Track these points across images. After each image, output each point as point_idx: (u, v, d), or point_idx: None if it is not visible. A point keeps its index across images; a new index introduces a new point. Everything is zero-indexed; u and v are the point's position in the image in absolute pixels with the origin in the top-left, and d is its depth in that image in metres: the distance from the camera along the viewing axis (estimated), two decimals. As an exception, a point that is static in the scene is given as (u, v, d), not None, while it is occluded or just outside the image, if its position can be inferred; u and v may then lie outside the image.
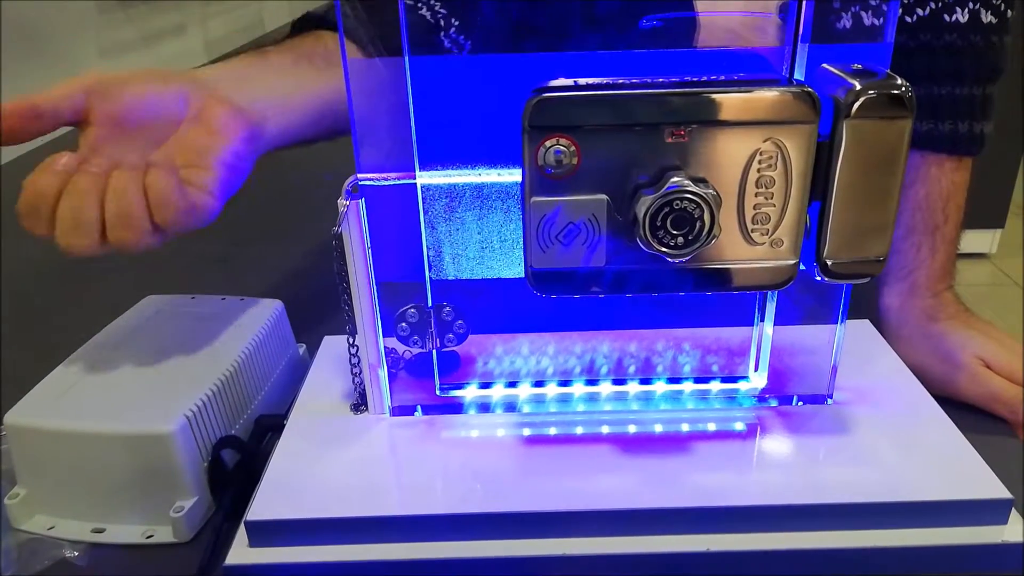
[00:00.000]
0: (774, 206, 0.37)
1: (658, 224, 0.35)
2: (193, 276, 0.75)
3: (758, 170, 0.36)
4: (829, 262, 0.38)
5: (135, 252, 0.43)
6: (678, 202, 0.35)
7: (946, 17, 0.52)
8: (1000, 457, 0.46)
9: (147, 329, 0.52)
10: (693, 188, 0.35)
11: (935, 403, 0.47)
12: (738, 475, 0.43)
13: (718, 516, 0.41)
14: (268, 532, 0.41)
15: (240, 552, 0.41)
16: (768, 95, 0.35)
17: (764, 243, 0.38)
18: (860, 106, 0.34)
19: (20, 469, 0.46)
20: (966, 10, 0.51)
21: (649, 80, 0.36)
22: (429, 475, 0.44)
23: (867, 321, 0.55)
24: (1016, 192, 2.04)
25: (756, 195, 0.36)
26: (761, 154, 0.35)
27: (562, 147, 0.35)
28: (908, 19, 0.52)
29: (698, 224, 0.35)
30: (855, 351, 0.52)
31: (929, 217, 0.55)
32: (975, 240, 2.13)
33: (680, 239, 0.36)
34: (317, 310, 0.64)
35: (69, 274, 0.77)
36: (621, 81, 0.36)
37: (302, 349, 0.58)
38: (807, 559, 0.40)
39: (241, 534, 0.42)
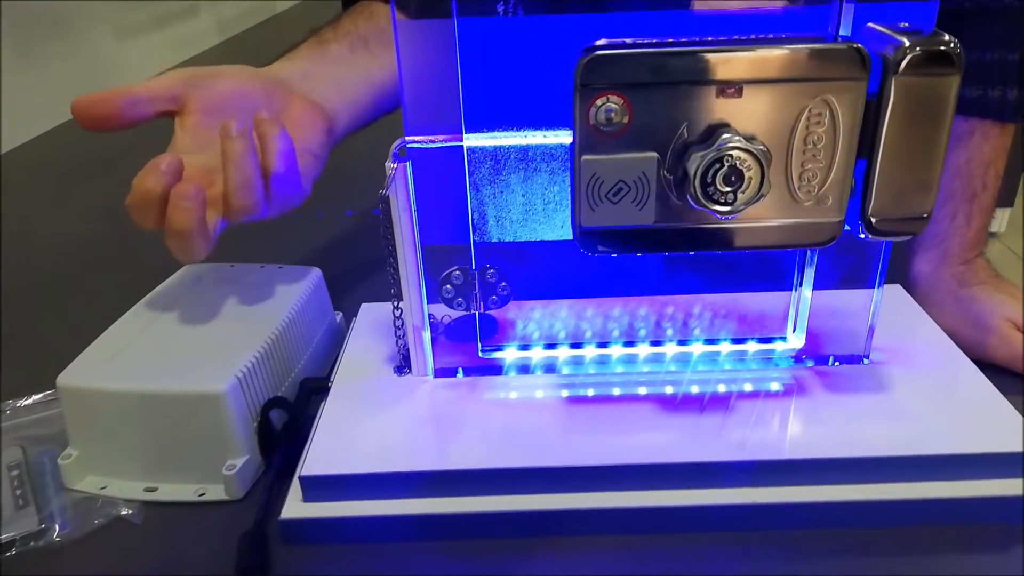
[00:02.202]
0: (821, 164, 0.37)
1: (708, 180, 0.36)
2: (224, 251, 0.76)
3: (807, 128, 0.36)
4: (874, 219, 0.38)
5: (250, 217, 0.46)
6: (729, 158, 0.35)
7: None
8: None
9: (189, 295, 0.53)
10: (743, 144, 0.35)
11: (968, 361, 0.48)
12: (777, 431, 0.43)
13: (758, 470, 0.42)
14: (321, 487, 0.42)
15: (294, 507, 0.42)
16: (819, 52, 0.35)
17: (810, 201, 0.38)
18: (909, 63, 0.35)
19: (72, 430, 0.47)
20: None
21: (697, 39, 0.36)
22: (472, 432, 0.45)
23: (898, 286, 0.56)
24: (1027, 171, 2.03)
25: (804, 153, 0.37)
26: (810, 112, 0.36)
27: (613, 105, 0.36)
28: None
29: (748, 180, 0.36)
30: (889, 314, 0.52)
31: (968, 184, 0.55)
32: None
33: (730, 195, 0.36)
34: (351, 279, 0.65)
35: (105, 248, 0.78)
36: (670, 40, 0.37)
37: (339, 316, 0.59)
38: (846, 511, 0.41)
39: (294, 490, 0.43)
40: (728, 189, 0.36)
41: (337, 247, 0.74)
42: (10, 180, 1.01)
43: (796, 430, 0.44)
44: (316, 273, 0.56)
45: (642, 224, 0.39)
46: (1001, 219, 2.16)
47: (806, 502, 0.41)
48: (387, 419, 0.45)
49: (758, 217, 0.39)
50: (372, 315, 0.55)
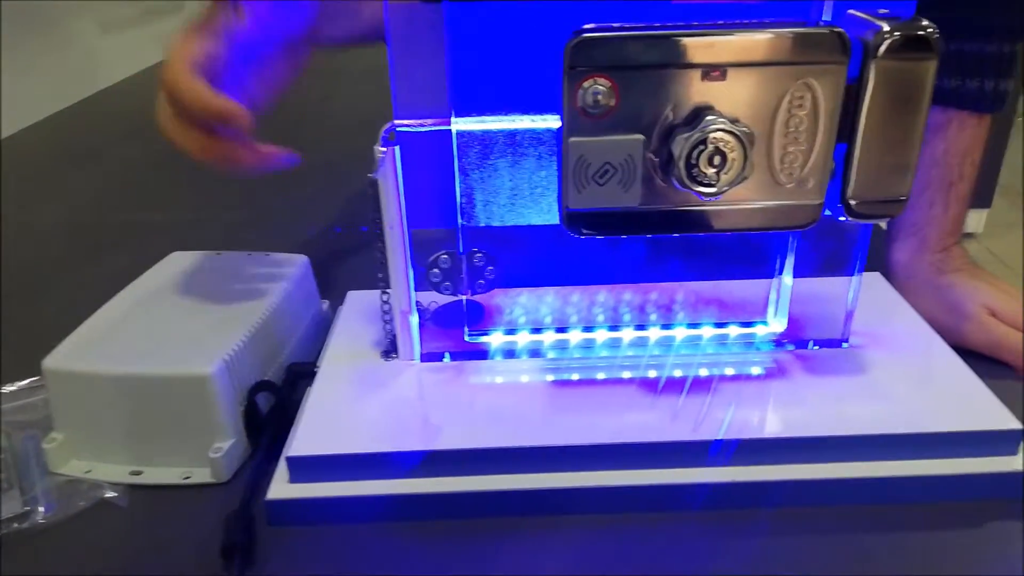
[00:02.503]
0: (803, 147, 0.38)
1: (693, 162, 0.37)
2: (210, 242, 0.76)
3: (789, 111, 0.37)
4: (853, 202, 0.39)
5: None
6: (713, 139, 0.36)
7: None
8: (1007, 400, 0.48)
9: (176, 282, 0.53)
10: (728, 126, 0.36)
11: (946, 345, 0.49)
12: (757, 411, 0.44)
13: (739, 449, 0.42)
14: (308, 467, 0.42)
15: (280, 488, 0.42)
16: (800, 36, 0.36)
17: (791, 184, 0.39)
18: (888, 47, 0.36)
19: (57, 414, 0.47)
20: None
21: (682, 23, 0.37)
22: (458, 414, 0.45)
23: (878, 273, 0.57)
24: (1003, 172, 2.07)
25: (786, 136, 0.38)
26: (792, 95, 0.37)
27: (601, 87, 0.37)
28: None
29: (731, 162, 0.37)
30: (867, 300, 0.53)
31: (945, 173, 0.56)
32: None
33: (714, 176, 0.37)
34: (337, 268, 0.65)
35: (93, 236, 0.78)
36: (656, 25, 0.37)
37: (325, 304, 0.59)
38: (825, 489, 0.42)
39: (281, 471, 0.43)
40: (712, 170, 0.37)
41: (327, 235, 0.74)
42: (4, 170, 1.00)
43: (777, 410, 0.44)
44: (303, 260, 0.56)
45: (628, 206, 0.39)
46: (979, 220, 2.20)
47: (786, 480, 0.42)
48: (374, 401, 0.46)
49: (741, 199, 0.39)
50: (359, 302, 0.55)
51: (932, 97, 0.54)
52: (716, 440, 0.42)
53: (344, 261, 0.67)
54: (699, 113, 0.37)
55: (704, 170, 0.37)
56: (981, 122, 0.55)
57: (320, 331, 0.57)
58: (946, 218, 0.56)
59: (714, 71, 0.36)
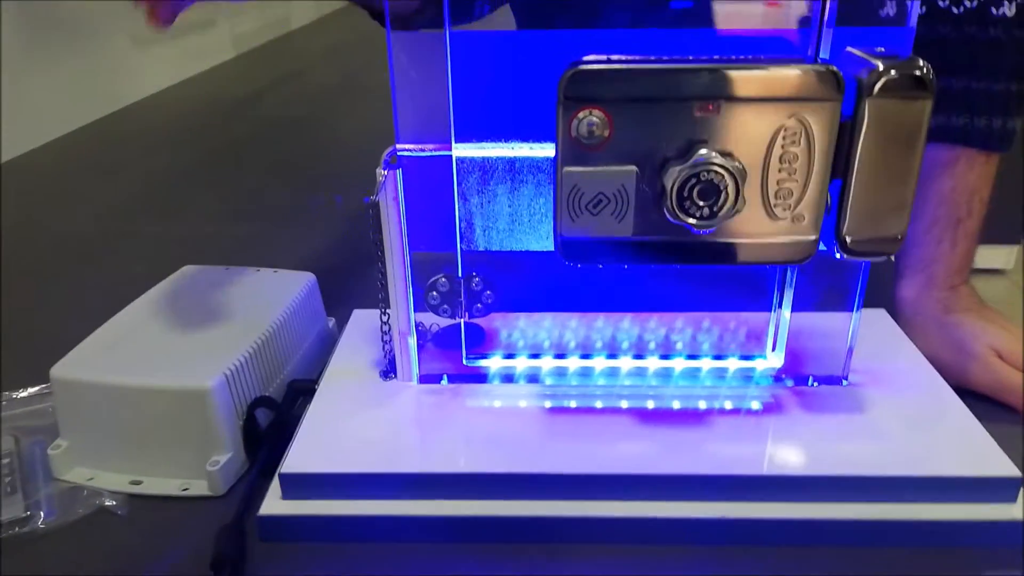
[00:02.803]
0: (796, 182, 0.38)
1: (685, 195, 0.37)
2: (224, 255, 0.78)
3: (782, 146, 0.37)
4: (848, 239, 0.39)
5: None
6: (705, 173, 0.36)
7: (993, 10, 0.53)
8: (1010, 445, 0.48)
9: (185, 295, 0.54)
10: (720, 160, 0.36)
11: (947, 386, 0.48)
12: (753, 446, 0.44)
13: (733, 484, 0.42)
14: (300, 484, 0.43)
15: (273, 503, 0.43)
16: (794, 72, 0.36)
17: (786, 218, 0.39)
18: (882, 85, 0.36)
19: (63, 421, 0.48)
20: (1014, 3, 0.52)
21: (677, 57, 0.38)
22: (453, 438, 0.45)
23: (883, 310, 0.56)
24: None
25: (780, 171, 0.38)
26: (785, 130, 0.37)
27: (595, 118, 0.37)
28: (955, 10, 0.53)
29: (723, 196, 0.37)
30: (871, 338, 0.53)
31: (953, 211, 0.56)
32: (992, 255, 2.13)
33: (705, 210, 0.37)
34: (346, 287, 0.66)
35: (110, 246, 0.80)
36: (652, 58, 0.38)
37: (331, 322, 0.60)
38: (817, 529, 0.42)
39: (274, 487, 0.43)
40: (704, 204, 0.37)
41: (338, 253, 0.76)
42: (26, 180, 1.03)
43: (772, 447, 0.44)
44: (309, 278, 0.57)
45: (621, 236, 0.40)
46: (1008, 256, 2.16)
47: (779, 518, 0.42)
48: (369, 421, 0.46)
49: (735, 233, 0.39)
50: (363, 321, 0.56)
51: (941, 134, 0.55)
52: (708, 475, 0.42)
53: (354, 279, 0.68)
54: (692, 146, 0.37)
55: (696, 203, 0.37)
56: (990, 160, 0.55)
57: (325, 348, 0.58)
58: (954, 256, 0.56)
59: (707, 105, 0.36)
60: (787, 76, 0.36)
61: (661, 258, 0.40)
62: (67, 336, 0.50)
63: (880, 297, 0.58)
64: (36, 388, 0.55)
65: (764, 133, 0.37)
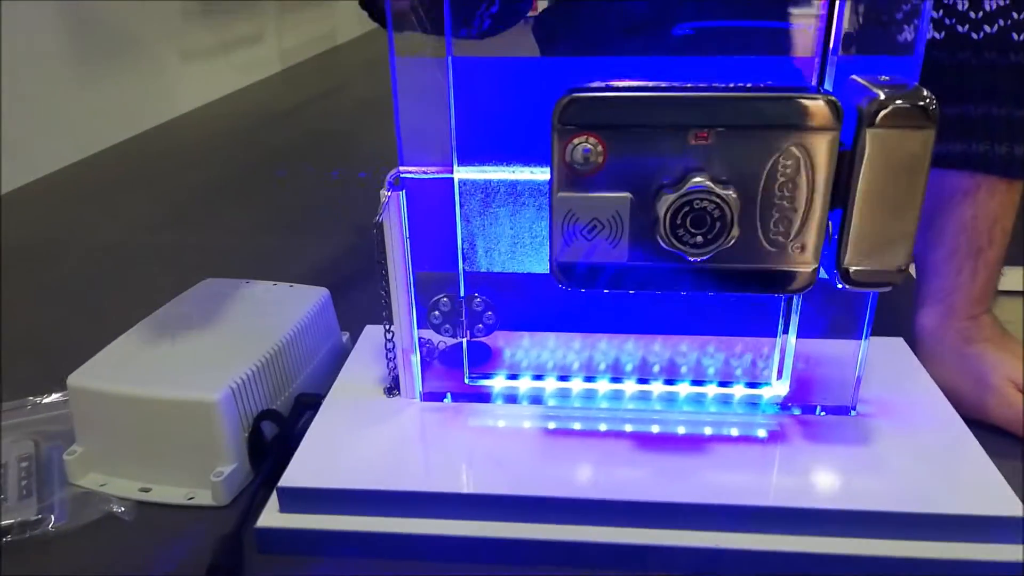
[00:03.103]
0: (796, 211, 0.38)
1: (678, 223, 0.37)
2: (251, 267, 0.80)
3: (780, 175, 0.37)
4: (850, 269, 0.38)
5: None
6: (698, 202, 0.36)
7: (1014, 36, 0.51)
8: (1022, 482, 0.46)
9: (202, 307, 0.56)
10: (713, 188, 0.36)
11: (960, 420, 0.47)
12: (754, 476, 0.43)
13: (728, 514, 0.41)
14: (298, 498, 0.43)
15: (271, 516, 0.44)
16: (790, 101, 0.36)
17: (785, 247, 0.39)
18: (883, 116, 0.35)
19: (79, 428, 0.49)
20: None
21: (677, 84, 0.37)
22: (452, 457, 0.46)
23: (901, 339, 0.55)
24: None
25: (778, 199, 0.38)
26: (783, 159, 0.37)
27: (589, 145, 0.37)
28: (975, 36, 0.52)
29: (717, 224, 0.37)
30: (886, 367, 0.52)
31: (974, 239, 0.54)
32: (1012, 277, 2.05)
33: (699, 238, 0.37)
34: (364, 301, 0.67)
35: (143, 257, 0.83)
36: (650, 85, 0.38)
37: (346, 337, 0.61)
38: (816, 562, 0.41)
39: (273, 499, 0.44)
40: (697, 232, 0.37)
41: (359, 269, 0.77)
42: (68, 192, 1.07)
43: (771, 477, 0.43)
44: (323, 293, 0.58)
45: (616, 262, 0.39)
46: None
47: (776, 551, 0.41)
48: (370, 438, 0.47)
49: (733, 260, 0.39)
50: (375, 336, 0.57)
51: (961, 161, 0.53)
52: (707, 504, 0.42)
53: (371, 294, 0.69)
54: (687, 174, 0.37)
55: (689, 231, 0.37)
56: (1012, 187, 0.53)
57: (338, 363, 0.58)
58: (974, 285, 0.54)
59: (702, 133, 0.36)
60: (783, 105, 0.36)
61: (657, 284, 0.40)
62: (93, 345, 0.52)
63: (900, 326, 0.57)
64: (59, 394, 0.57)
65: (761, 162, 0.37)
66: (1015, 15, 0.51)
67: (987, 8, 0.50)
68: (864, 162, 0.36)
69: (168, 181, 1.11)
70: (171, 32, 1.44)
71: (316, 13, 2.02)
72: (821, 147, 0.36)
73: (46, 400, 0.57)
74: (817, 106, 0.36)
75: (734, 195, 0.37)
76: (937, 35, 0.53)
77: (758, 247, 0.39)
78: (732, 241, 0.37)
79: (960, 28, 0.52)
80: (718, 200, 0.36)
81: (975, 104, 0.53)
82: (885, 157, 0.36)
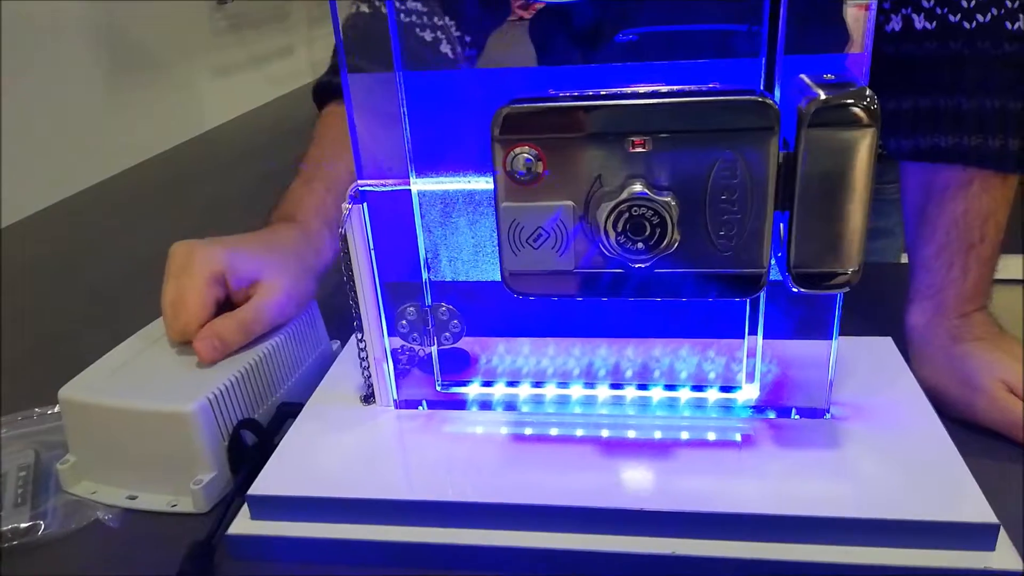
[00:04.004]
0: (739, 215, 0.37)
1: (619, 230, 0.37)
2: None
3: (720, 178, 0.37)
4: (796, 272, 0.38)
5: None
6: (635, 208, 0.36)
7: (1008, 25, 0.50)
8: (1015, 486, 0.45)
9: (192, 320, 0.57)
10: (648, 195, 0.36)
11: (940, 424, 0.45)
12: (722, 482, 0.43)
13: (698, 521, 0.41)
14: (268, 506, 0.45)
15: (242, 523, 0.45)
16: (723, 104, 0.35)
17: (731, 251, 0.38)
18: (818, 116, 0.34)
19: (71, 439, 0.52)
20: None
21: (616, 91, 0.37)
22: (425, 464, 0.46)
23: (888, 339, 0.54)
24: None
25: (721, 203, 0.37)
26: (721, 163, 0.36)
27: (529, 155, 0.37)
28: (967, 25, 0.50)
29: (657, 231, 0.36)
30: (869, 368, 0.51)
31: (965, 235, 0.53)
32: (1010, 265, 1.95)
33: (639, 244, 0.37)
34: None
35: (156, 272, 0.85)
36: (594, 92, 0.38)
37: (336, 345, 0.62)
38: (786, 570, 0.40)
39: (245, 507, 0.45)
40: (637, 239, 0.37)
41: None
42: (100, 207, 1.11)
43: (739, 484, 0.43)
44: (310, 303, 0.59)
45: (564, 269, 0.40)
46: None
47: (740, 558, 0.40)
48: (343, 446, 0.48)
49: (680, 265, 0.39)
50: (361, 345, 0.58)
51: (952, 155, 0.52)
52: (677, 512, 0.41)
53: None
54: (627, 181, 0.37)
55: (630, 238, 0.37)
56: (1006, 182, 0.51)
57: (325, 370, 0.59)
58: (965, 282, 0.52)
59: (638, 140, 0.36)
60: (717, 108, 0.35)
61: (606, 291, 0.40)
62: (98, 356, 0.54)
63: (891, 323, 0.56)
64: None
65: (700, 166, 0.36)
66: (1008, 3, 0.50)
67: None
68: (803, 164, 0.36)
69: (196, 194, 1.15)
70: (200, 49, 1.48)
71: (346, 23, 2.05)
72: (759, 150, 0.36)
73: (51, 411, 0.59)
74: (751, 108, 0.35)
75: (672, 201, 0.36)
76: (928, 25, 0.51)
77: (705, 251, 0.38)
78: (674, 246, 0.37)
79: (952, 17, 0.51)
80: (655, 206, 0.36)
81: (968, 96, 0.51)
82: (824, 158, 0.35)
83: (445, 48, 0.52)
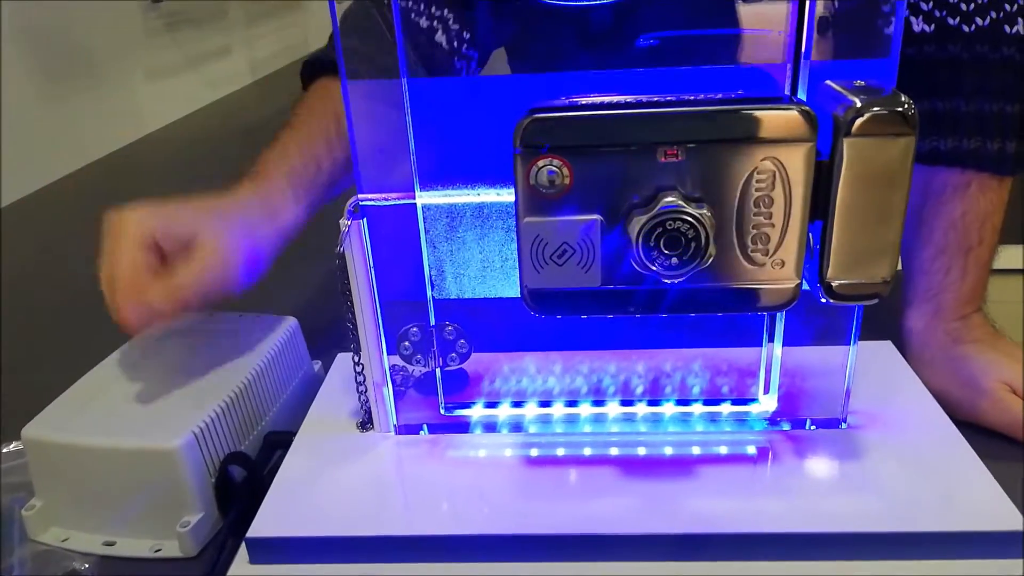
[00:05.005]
0: (774, 226, 0.36)
1: (651, 244, 0.35)
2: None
3: (756, 189, 0.35)
4: (833, 283, 0.37)
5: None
6: (671, 222, 0.34)
7: (1007, 28, 0.50)
8: (1016, 484, 0.44)
9: (164, 345, 0.53)
10: (686, 208, 0.34)
11: (955, 428, 0.45)
12: (743, 501, 0.42)
13: (717, 543, 0.40)
14: (268, 549, 0.41)
15: (241, 567, 0.41)
16: (762, 113, 0.34)
17: (765, 264, 0.37)
18: (860, 124, 0.33)
19: (37, 482, 0.47)
20: None
21: (644, 99, 0.36)
22: (430, 495, 0.44)
23: (889, 343, 0.53)
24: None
25: (755, 215, 0.36)
26: (758, 173, 0.35)
27: (554, 167, 0.35)
28: (966, 28, 0.50)
29: (692, 245, 0.35)
30: (875, 373, 0.50)
31: (963, 237, 0.53)
32: (1008, 256, 2.05)
33: (674, 259, 0.35)
34: (338, 328, 0.65)
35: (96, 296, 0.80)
36: (616, 100, 0.36)
37: (317, 366, 0.59)
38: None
39: (243, 550, 0.42)
40: (671, 253, 0.35)
41: (330, 295, 0.74)
42: (28, 222, 1.04)
43: (763, 502, 0.41)
44: (292, 323, 0.56)
45: (590, 287, 0.38)
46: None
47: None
48: (342, 479, 0.45)
49: (712, 280, 0.37)
50: (347, 365, 0.54)
51: (951, 158, 0.52)
52: (697, 534, 0.40)
53: (342, 317, 0.67)
54: (658, 193, 0.35)
55: (663, 253, 0.35)
56: (1003, 185, 0.52)
57: (310, 395, 0.56)
58: (963, 284, 0.52)
59: (671, 150, 0.34)
60: (755, 117, 0.34)
61: (633, 309, 0.38)
62: (56, 388, 0.49)
63: (888, 327, 0.55)
64: (20, 443, 0.54)
65: (735, 177, 0.35)
66: (1007, 7, 0.50)
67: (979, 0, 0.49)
68: (842, 173, 0.34)
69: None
70: (134, 51, 1.41)
71: (286, 21, 1.99)
72: (796, 159, 0.34)
73: (6, 449, 0.54)
74: (791, 117, 0.34)
75: (708, 213, 0.35)
76: (927, 28, 0.51)
77: (736, 265, 0.37)
78: (710, 260, 0.35)
79: (951, 20, 0.50)
80: (691, 219, 0.34)
81: (966, 99, 0.51)
82: (864, 167, 0.34)
83: (440, 38, 0.50)
